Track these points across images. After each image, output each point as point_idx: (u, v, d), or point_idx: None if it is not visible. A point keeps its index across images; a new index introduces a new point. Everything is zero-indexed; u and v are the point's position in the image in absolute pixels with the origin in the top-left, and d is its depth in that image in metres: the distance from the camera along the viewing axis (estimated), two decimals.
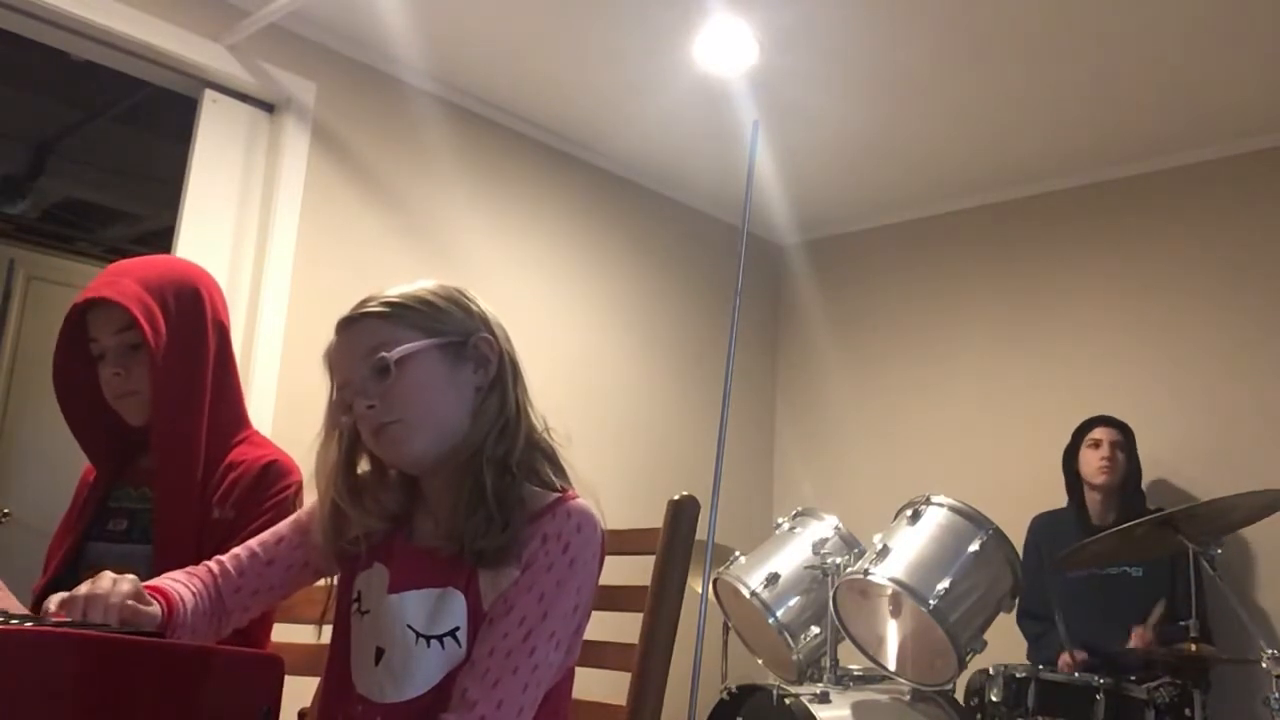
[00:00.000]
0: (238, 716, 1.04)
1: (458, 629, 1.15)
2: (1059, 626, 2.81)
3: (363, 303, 1.23)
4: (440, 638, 1.15)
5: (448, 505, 1.20)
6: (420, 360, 1.19)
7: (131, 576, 1.12)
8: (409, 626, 1.16)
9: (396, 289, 1.24)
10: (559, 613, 1.14)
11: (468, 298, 1.27)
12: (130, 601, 1.10)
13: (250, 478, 1.52)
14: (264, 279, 2.95)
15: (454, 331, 1.22)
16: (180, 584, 1.22)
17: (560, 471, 1.25)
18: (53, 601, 1.07)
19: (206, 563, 1.28)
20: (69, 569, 1.51)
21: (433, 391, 1.19)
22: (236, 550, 1.30)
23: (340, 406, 1.21)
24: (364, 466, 1.29)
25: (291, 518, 1.34)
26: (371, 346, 1.19)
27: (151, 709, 0.97)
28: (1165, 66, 3.06)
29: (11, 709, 0.86)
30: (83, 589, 1.08)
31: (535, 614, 1.13)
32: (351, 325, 1.22)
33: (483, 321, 1.25)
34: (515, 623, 1.12)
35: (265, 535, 1.32)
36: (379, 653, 1.18)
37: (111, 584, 1.09)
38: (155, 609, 1.13)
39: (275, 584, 1.29)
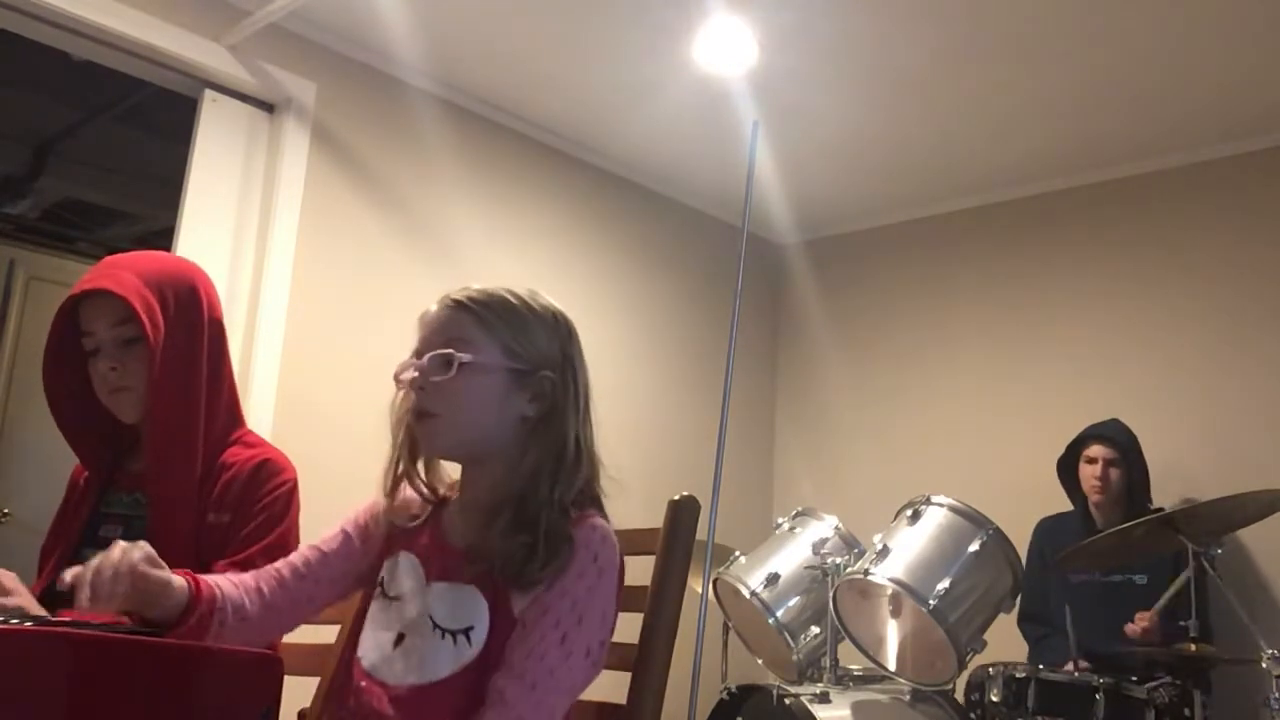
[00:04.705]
0: (238, 716, 1.04)
1: (472, 628, 1.17)
2: (1069, 636, 2.79)
3: (468, 288, 1.27)
4: (454, 633, 1.17)
5: (485, 519, 1.22)
6: (484, 373, 1.22)
7: (143, 544, 1.12)
8: (429, 616, 1.18)
9: (503, 292, 1.27)
10: (591, 619, 1.16)
11: (563, 328, 1.29)
12: (142, 568, 1.09)
13: (243, 478, 1.50)
14: (264, 279, 2.95)
15: (529, 360, 1.25)
16: (220, 578, 1.22)
17: (600, 515, 1.27)
18: (68, 574, 1.07)
19: (269, 566, 1.30)
20: None
21: (480, 406, 1.22)
22: (300, 550, 1.33)
23: (410, 371, 1.24)
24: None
25: (350, 516, 1.35)
26: (451, 336, 1.23)
27: (152, 709, 0.97)
28: (1164, 67, 3.06)
29: (11, 709, 0.86)
30: (93, 561, 1.08)
31: (570, 619, 1.15)
32: (448, 307, 1.25)
33: (564, 357, 1.27)
34: (551, 626, 1.14)
35: (323, 535, 1.34)
36: (400, 637, 1.20)
37: (120, 554, 1.09)
38: (167, 574, 1.13)
39: (337, 575, 1.31)
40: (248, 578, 1.26)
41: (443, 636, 1.17)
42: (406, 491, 1.32)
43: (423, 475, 1.31)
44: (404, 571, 1.24)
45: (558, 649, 1.13)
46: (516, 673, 1.12)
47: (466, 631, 1.17)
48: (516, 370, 1.23)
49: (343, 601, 1.38)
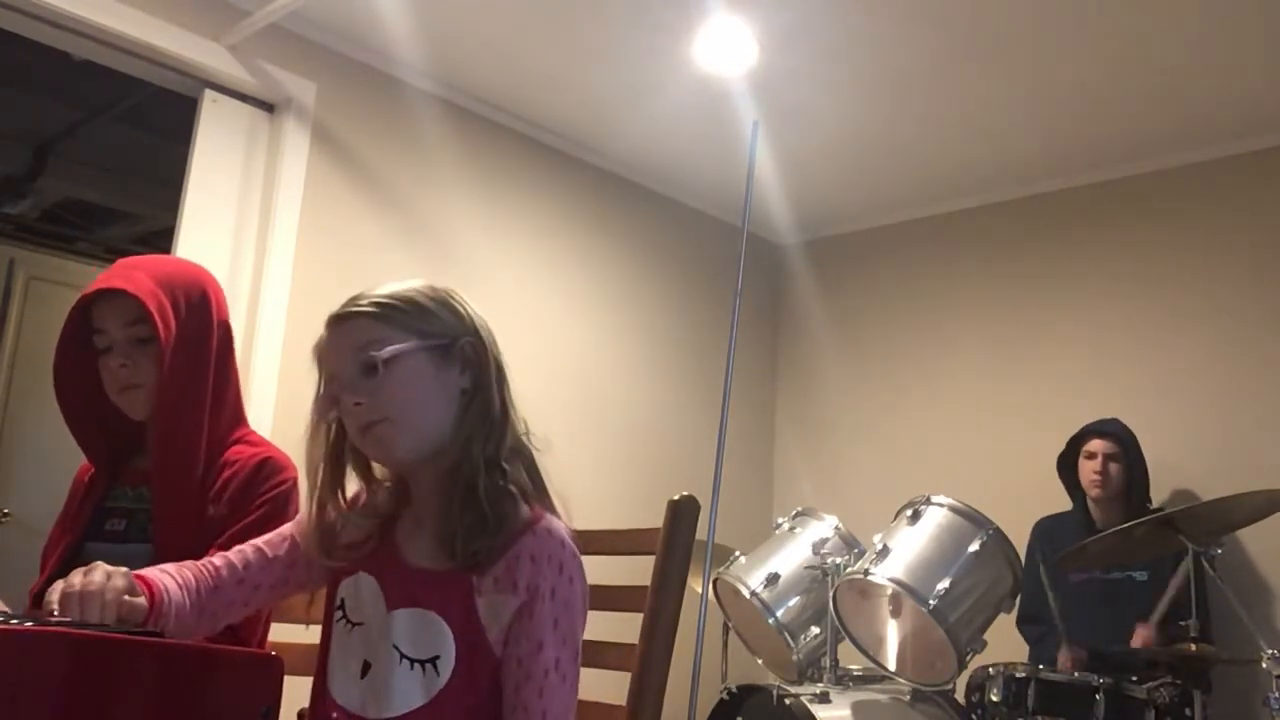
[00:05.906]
0: (238, 716, 1.04)
1: (438, 657, 1.16)
2: (1060, 630, 2.79)
3: (353, 300, 1.23)
4: (422, 663, 1.16)
5: (436, 509, 1.22)
6: (408, 361, 1.19)
7: (124, 570, 1.14)
8: (395, 646, 1.17)
9: (387, 288, 1.24)
10: (575, 631, 1.18)
11: (456, 300, 1.27)
12: (126, 597, 1.11)
13: (244, 475, 1.52)
14: (264, 279, 2.95)
15: (442, 333, 1.22)
16: (168, 575, 1.22)
17: (536, 476, 1.26)
18: (54, 591, 1.09)
19: (211, 558, 1.29)
20: (67, 570, 1.51)
21: (419, 392, 1.20)
22: (242, 547, 1.31)
23: (328, 401, 1.22)
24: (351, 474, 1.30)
25: (295, 519, 1.34)
26: (360, 344, 1.19)
27: (151, 709, 0.97)
28: (1165, 67, 3.06)
29: (11, 709, 0.86)
30: (76, 581, 1.10)
31: (557, 642, 1.16)
32: (342, 322, 1.22)
33: (470, 325, 1.25)
34: (550, 659, 1.15)
35: (270, 535, 1.32)
36: (366, 666, 1.19)
37: (105, 578, 1.11)
38: (143, 601, 1.15)
39: (276, 581, 1.30)
40: (190, 576, 1.24)
41: (411, 667, 1.15)
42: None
43: (363, 501, 1.28)
44: (365, 596, 1.22)
45: (556, 674, 1.15)
46: (535, 713, 1.14)
47: (433, 661, 1.15)
48: (437, 346, 1.21)
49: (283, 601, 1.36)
